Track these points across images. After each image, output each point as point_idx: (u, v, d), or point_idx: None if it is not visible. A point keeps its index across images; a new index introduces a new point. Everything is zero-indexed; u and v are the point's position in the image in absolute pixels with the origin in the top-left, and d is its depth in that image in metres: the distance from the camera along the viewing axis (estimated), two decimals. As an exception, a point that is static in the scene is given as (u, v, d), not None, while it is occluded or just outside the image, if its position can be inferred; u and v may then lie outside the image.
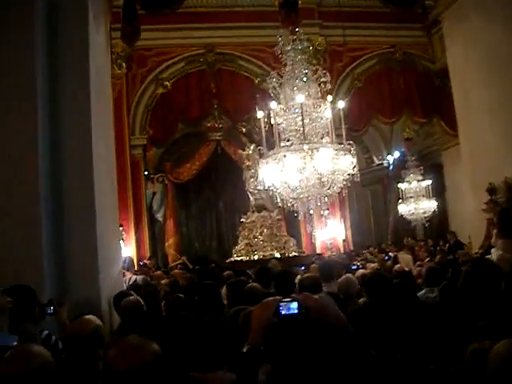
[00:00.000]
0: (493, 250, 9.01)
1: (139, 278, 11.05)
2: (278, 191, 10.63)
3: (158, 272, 13.44)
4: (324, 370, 2.75)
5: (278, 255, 15.74)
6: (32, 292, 5.43)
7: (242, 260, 16.07)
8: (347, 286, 6.64)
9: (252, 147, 16.34)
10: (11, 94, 6.54)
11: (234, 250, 17.42)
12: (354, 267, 10.33)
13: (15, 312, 5.01)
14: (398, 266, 10.40)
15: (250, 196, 17.55)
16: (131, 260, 12.23)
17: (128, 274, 11.11)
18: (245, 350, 2.89)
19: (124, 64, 17.12)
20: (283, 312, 2.80)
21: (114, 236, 8.53)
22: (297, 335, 2.70)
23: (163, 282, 11.25)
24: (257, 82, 17.91)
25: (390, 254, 14.68)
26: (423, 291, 7.32)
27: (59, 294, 6.43)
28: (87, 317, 4.81)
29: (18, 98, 6.55)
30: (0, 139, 6.42)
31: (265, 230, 16.86)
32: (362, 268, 10.51)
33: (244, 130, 18.91)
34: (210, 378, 3.41)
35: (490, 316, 4.42)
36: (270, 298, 2.98)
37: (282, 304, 2.81)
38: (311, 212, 11.40)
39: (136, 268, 13.69)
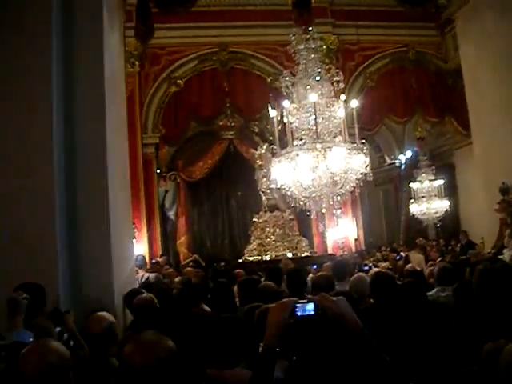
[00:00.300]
0: (505, 251, 9.05)
1: (151, 275, 11.10)
2: (291, 190, 10.63)
3: (171, 270, 13.48)
4: (338, 372, 2.76)
5: (290, 255, 15.75)
6: (41, 289, 5.49)
7: (253, 260, 16.08)
8: (359, 285, 6.63)
9: (265, 146, 16.33)
10: (27, 94, 6.59)
11: (246, 250, 17.44)
12: (366, 268, 10.34)
13: (28, 309, 5.07)
14: (410, 265, 10.38)
15: (262, 196, 17.57)
16: (143, 258, 12.28)
17: (140, 272, 11.16)
18: (260, 349, 2.91)
19: (137, 62, 17.15)
20: (299, 313, 2.80)
21: (127, 234, 8.57)
22: (313, 336, 2.68)
23: (176, 279, 11.33)
24: (269, 80, 17.91)
25: (402, 253, 14.67)
26: (434, 290, 7.32)
27: (73, 292, 6.48)
28: (100, 313, 4.86)
29: (34, 98, 6.60)
30: (16, 139, 6.47)
31: (277, 230, 16.87)
32: (375, 268, 10.51)
33: (257, 129, 18.90)
34: (226, 375, 3.41)
35: (502, 314, 4.43)
36: (286, 299, 2.98)
37: (298, 305, 2.80)
38: (323, 211, 11.41)
39: (148, 266, 13.73)
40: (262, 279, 8.08)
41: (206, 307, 6.36)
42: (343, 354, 2.70)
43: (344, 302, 2.86)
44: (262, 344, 2.92)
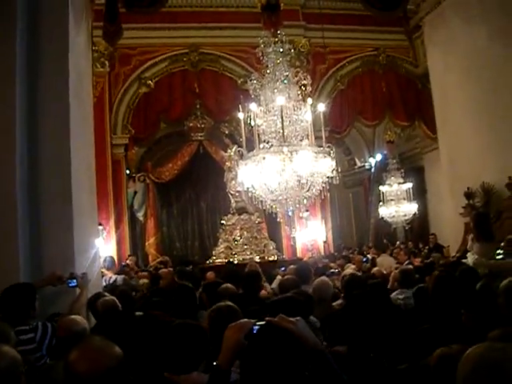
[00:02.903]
0: (468, 254, 9.13)
1: (119, 277, 11.04)
2: (257, 193, 10.64)
3: (144, 273, 13.37)
4: None
5: (257, 259, 15.75)
6: (32, 290, 5.46)
7: (220, 263, 16.05)
8: (321, 289, 6.67)
9: (234, 148, 16.35)
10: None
11: (214, 252, 17.44)
12: (329, 272, 10.42)
13: (12, 311, 5.07)
14: (376, 268, 10.45)
15: (231, 198, 17.57)
16: (112, 259, 12.22)
17: (108, 274, 11.10)
18: (215, 364, 2.91)
19: (107, 62, 17.10)
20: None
21: (93, 235, 8.50)
22: (270, 359, 2.66)
23: (141, 282, 11.29)
24: (240, 82, 17.93)
25: (369, 256, 14.76)
26: (394, 293, 7.44)
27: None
28: (74, 317, 4.85)
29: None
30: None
31: (245, 233, 16.89)
32: (338, 273, 10.57)
33: (227, 130, 18.89)
34: (183, 379, 3.41)
35: (458, 319, 4.49)
36: (245, 320, 2.98)
37: (255, 327, 2.79)
38: (290, 214, 11.44)
39: (117, 267, 13.65)
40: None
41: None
42: (302, 375, 2.67)
43: (303, 323, 2.85)
44: (215, 363, 2.92)
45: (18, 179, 6.48)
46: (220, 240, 17.49)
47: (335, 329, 4.62)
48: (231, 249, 16.74)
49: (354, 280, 6.88)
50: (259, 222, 17.28)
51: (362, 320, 4.65)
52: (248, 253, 16.48)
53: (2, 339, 3.84)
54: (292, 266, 10.49)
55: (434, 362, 3.34)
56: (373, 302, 5.53)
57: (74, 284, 6.40)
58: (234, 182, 16.00)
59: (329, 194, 11.42)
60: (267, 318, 2.87)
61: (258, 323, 2.81)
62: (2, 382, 2.90)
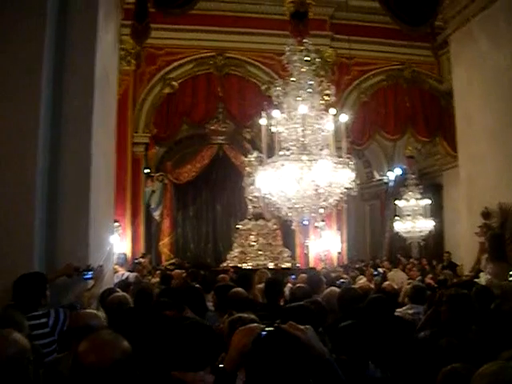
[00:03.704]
0: (481, 274, 9.11)
1: (131, 275, 11.10)
2: (274, 199, 10.65)
3: (157, 272, 13.48)
4: None
5: (271, 265, 15.77)
6: (43, 279, 5.54)
7: (232, 268, 16.08)
8: (331, 299, 6.66)
9: (254, 154, 16.39)
10: (16, 88, 6.59)
11: (228, 256, 17.47)
12: (339, 282, 10.39)
13: (23, 299, 5.15)
14: (387, 283, 10.42)
15: (248, 203, 17.60)
16: (125, 256, 12.29)
17: (121, 270, 11.15)
18: (221, 366, 2.93)
19: (133, 61, 17.18)
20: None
21: (108, 231, 8.56)
22: (275, 364, 2.68)
23: (153, 281, 11.35)
24: (263, 88, 17.96)
25: (380, 269, 14.72)
26: (404, 308, 7.43)
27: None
28: (92, 311, 4.90)
29: (22, 93, 6.60)
30: (2, 134, 6.46)
31: (260, 239, 16.93)
32: (349, 284, 10.56)
33: (248, 135, 18.94)
34: (189, 377, 3.42)
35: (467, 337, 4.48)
36: (254, 325, 2.99)
37: (263, 333, 2.79)
38: (305, 222, 11.43)
39: (129, 264, 13.72)
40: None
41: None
42: (299, 380, 2.68)
43: (311, 331, 2.86)
44: (221, 365, 2.94)
45: (38, 172, 6.54)
46: (235, 244, 17.56)
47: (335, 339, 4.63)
48: (245, 254, 16.79)
49: (349, 293, 6.86)
50: (275, 229, 17.30)
51: (358, 332, 4.63)
52: (262, 259, 16.52)
53: (15, 327, 3.88)
54: (303, 275, 10.50)
55: (440, 378, 3.33)
56: (370, 316, 5.54)
57: (89, 276, 6.47)
58: (252, 187, 16.03)
59: (345, 206, 11.36)
60: (276, 324, 2.89)
61: (266, 329, 2.82)
62: (9, 369, 2.92)
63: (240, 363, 2.85)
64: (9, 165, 6.45)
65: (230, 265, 16.47)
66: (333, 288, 7.47)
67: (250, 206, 17.62)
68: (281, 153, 10.43)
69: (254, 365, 2.69)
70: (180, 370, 3.49)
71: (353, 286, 8.96)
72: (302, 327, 2.83)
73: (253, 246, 16.89)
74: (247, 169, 17.24)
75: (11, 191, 6.39)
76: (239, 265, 16.15)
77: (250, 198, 17.25)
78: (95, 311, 4.95)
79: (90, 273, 6.47)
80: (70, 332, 4.65)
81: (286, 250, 17.38)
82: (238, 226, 17.94)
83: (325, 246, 18.04)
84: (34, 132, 6.57)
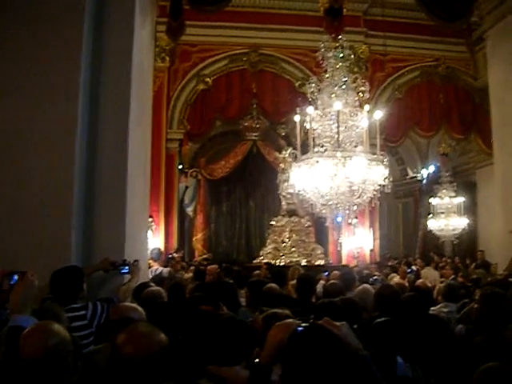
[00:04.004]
0: (516, 273, 9.02)
1: (165, 270, 11.19)
2: (308, 196, 10.66)
3: (191, 267, 13.60)
4: None
5: (304, 262, 15.77)
6: (80, 273, 5.63)
7: (266, 264, 16.11)
8: (363, 297, 6.64)
9: (288, 150, 16.41)
10: (54, 84, 6.68)
11: (261, 252, 17.51)
12: (372, 279, 10.35)
13: (61, 292, 5.25)
14: (421, 281, 10.36)
15: (281, 200, 17.62)
16: (159, 251, 12.35)
17: (155, 265, 11.24)
18: (256, 361, 2.96)
19: (167, 58, 17.28)
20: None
21: (143, 227, 8.64)
22: (311, 359, 2.69)
23: (186, 276, 11.43)
24: (297, 85, 17.98)
25: (413, 267, 14.63)
26: (438, 306, 7.39)
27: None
28: (132, 305, 4.96)
29: (60, 89, 6.69)
30: (40, 127, 6.55)
31: (293, 236, 16.94)
32: (382, 281, 10.52)
33: (283, 132, 18.94)
34: (225, 372, 3.45)
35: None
36: (290, 320, 3.01)
37: (299, 328, 2.79)
38: (339, 219, 11.42)
39: (163, 259, 13.81)
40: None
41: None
42: (336, 375, 2.69)
43: (347, 327, 2.88)
44: (257, 360, 2.97)
45: (76, 169, 6.62)
46: (268, 241, 17.60)
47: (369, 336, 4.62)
48: (279, 250, 16.82)
49: (386, 289, 6.82)
50: (308, 226, 17.31)
51: (392, 329, 4.62)
52: (295, 255, 16.54)
53: (54, 319, 3.94)
54: (335, 272, 10.50)
55: (476, 377, 3.32)
56: (407, 314, 5.50)
57: (125, 271, 6.55)
58: (286, 183, 16.04)
59: (378, 203, 11.31)
60: (311, 320, 2.91)
61: (302, 324, 2.84)
62: (50, 359, 2.98)
63: (276, 358, 2.88)
64: (47, 161, 6.54)
65: (264, 261, 16.51)
66: (366, 285, 7.46)
67: (283, 203, 17.64)
68: (315, 149, 10.43)
69: (290, 360, 2.71)
70: (215, 365, 3.52)
71: (390, 283, 8.94)
72: (337, 323, 2.85)
73: (286, 242, 16.90)
74: (281, 165, 17.25)
75: (49, 188, 6.48)
76: (272, 261, 16.19)
77: (284, 194, 17.27)
78: (135, 304, 5.01)
79: (127, 267, 6.55)
80: (109, 324, 4.72)
81: (319, 246, 17.36)
82: (271, 223, 17.97)
83: (357, 243, 18.00)
84: (73, 130, 6.65)
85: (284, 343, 2.79)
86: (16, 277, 4.10)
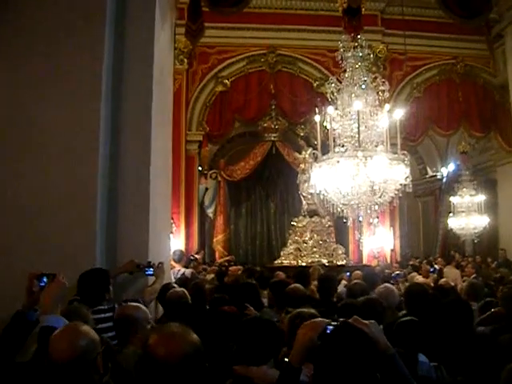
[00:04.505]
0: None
1: (187, 271, 11.23)
2: (329, 196, 10.65)
3: (214, 268, 13.66)
4: None
5: (325, 262, 15.78)
6: (106, 275, 5.69)
7: (289, 264, 16.15)
8: (386, 296, 6.63)
9: (309, 151, 16.41)
10: (77, 87, 6.73)
11: (282, 253, 17.53)
12: (395, 275, 10.33)
13: (88, 294, 5.30)
14: (444, 280, 10.34)
15: (302, 200, 17.64)
16: (181, 252, 12.38)
17: (177, 266, 11.28)
18: (286, 360, 2.97)
19: (186, 60, 17.32)
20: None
21: (165, 229, 8.68)
22: (344, 358, 2.70)
23: (208, 277, 11.47)
24: (315, 85, 18.00)
25: (436, 266, 14.59)
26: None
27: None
28: (136, 304, 5.00)
29: (83, 93, 6.74)
30: (63, 134, 6.60)
31: (315, 236, 16.96)
32: (404, 276, 10.50)
33: (302, 132, 18.94)
34: (253, 372, 3.47)
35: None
36: (319, 319, 3.02)
37: (329, 327, 2.82)
38: (360, 219, 11.39)
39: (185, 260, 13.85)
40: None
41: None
42: (367, 374, 2.69)
43: (376, 326, 2.89)
44: (286, 359, 2.98)
45: (99, 173, 6.67)
46: (289, 241, 17.61)
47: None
48: (300, 250, 16.82)
49: (416, 287, 6.79)
50: (329, 226, 17.31)
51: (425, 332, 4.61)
52: (317, 256, 16.54)
53: (81, 320, 3.98)
54: (357, 272, 10.49)
55: (506, 375, 3.31)
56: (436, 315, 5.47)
57: (150, 272, 6.60)
58: (306, 184, 16.02)
59: (398, 202, 11.27)
60: (341, 319, 2.92)
61: (332, 323, 2.84)
62: (79, 360, 3.01)
63: (305, 357, 2.89)
64: (71, 165, 6.59)
65: (285, 262, 16.55)
66: (388, 285, 7.46)
67: (304, 203, 17.64)
68: (336, 149, 10.42)
69: (321, 359, 2.72)
70: (243, 364, 3.54)
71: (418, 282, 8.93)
72: (366, 322, 2.86)
73: (307, 242, 16.91)
74: (301, 166, 17.26)
75: (73, 192, 6.53)
76: (294, 262, 16.23)
77: (305, 194, 17.27)
78: (138, 304, 5.03)
79: (151, 269, 6.59)
80: (114, 323, 4.79)
81: (341, 246, 17.35)
82: (292, 223, 17.97)
83: (378, 242, 17.95)
84: (96, 134, 6.70)
85: (313, 342, 2.81)
86: (45, 279, 4.13)
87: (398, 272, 10.99)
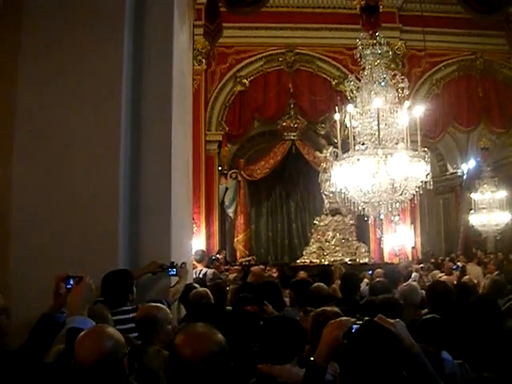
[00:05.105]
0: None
1: (209, 271, 11.26)
2: (350, 194, 10.65)
3: (236, 267, 13.71)
4: None
5: (348, 261, 15.78)
6: (128, 276, 5.72)
7: (311, 263, 16.16)
8: (408, 294, 6.61)
9: (330, 149, 16.41)
10: (97, 88, 6.75)
11: (304, 252, 17.54)
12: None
13: (112, 295, 5.34)
14: (467, 277, 10.28)
15: (324, 199, 17.64)
16: (203, 252, 12.41)
17: (199, 266, 11.32)
18: (311, 359, 2.97)
19: (204, 60, 17.42)
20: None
21: (187, 229, 8.70)
22: (371, 356, 2.67)
23: (230, 276, 11.50)
24: (334, 83, 18.02)
25: (459, 264, 14.51)
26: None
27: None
28: (156, 304, 5.02)
29: (103, 94, 6.75)
30: (83, 136, 6.61)
31: (337, 235, 16.99)
32: (428, 269, 10.48)
33: (322, 131, 18.95)
34: (277, 370, 3.47)
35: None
36: (344, 318, 3.02)
37: (354, 326, 2.82)
38: (381, 217, 11.38)
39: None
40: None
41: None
42: (394, 372, 2.69)
43: (401, 325, 2.89)
44: (312, 358, 2.98)
45: (120, 174, 6.68)
46: (312, 240, 17.63)
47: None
48: (323, 249, 16.84)
49: (440, 285, 6.76)
50: (352, 224, 17.31)
51: (449, 329, 4.58)
52: (340, 254, 16.58)
53: (101, 321, 4.02)
54: (379, 270, 10.47)
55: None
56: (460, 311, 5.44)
57: (173, 273, 6.60)
58: (328, 182, 16.02)
59: (419, 199, 11.24)
60: (366, 318, 2.92)
61: (357, 322, 2.85)
62: (105, 362, 3.02)
63: (331, 355, 2.89)
64: (92, 166, 6.61)
65: (307, 260, 16.58)
66: (410, 282, 7.45)
67: (326, 202, 17.65)
68: (356, 147, 10.41)
69: (347, 358, 2.72)
70: (268, 363, 3.55)
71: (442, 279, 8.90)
72: (392, 321, 2.86)
73: (330, 241, 16.93)
74: (323, 164, 17.25)
75: (94, 193, 6.55)
76: (317, 260, 16.26)
77: (326, 193, 17.26)
78: (159, 304, 5.06)
79: (174, 269, 6.61)
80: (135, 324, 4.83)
81: (363, 245, 17.34)
82: (315, 222, 17.98)
83: (399, 240, 17.91)
84: (116, 134, 6.71)
85: (339, 341, 2.81)
86: (72, 281, 4.15)
87: (422, 265, 10.97)
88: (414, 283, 7.56)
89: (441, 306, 5.69)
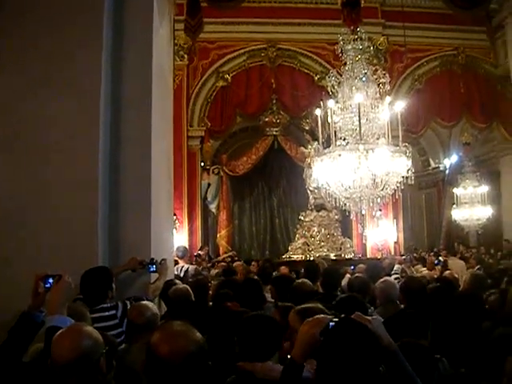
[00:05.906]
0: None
1: (191, 267, 11.23)
2: (331, 190, 10.65)
3: (222, 264, 13.68)
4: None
5: (333, 256, 15.80)
6: (108, 273, 5.67)
7: (297, 259, 16.17)
8: (386, 290, 6.60)
9: (314, 145, 16.40)
10: (75, 85, 6.71)
11: (290, 247, 17.55)
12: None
13: (91, 292, 5.30)
14: (449, 272, 10.31)
15: (309, 194, 17.64)
16: (185, 249, 12.37)
17: (181, 262, 11.28)
18: (289, 357, 2.95)
19: (186, 55, 17.36)
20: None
21: (168, 225, 8.66)
22: (347, 353, 2.66)
23: (212, 272, 11.48)
24: (316, 79, 18.00)
25: (441, 258, 14.56)
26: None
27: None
28: (145, 303, 5.00)
29: (82, 89, 6.71)
30: (63, 127, 6.58)
31: (322, 230, 17.00)
32: (410, 260, 10.54)
33: (307, 126, 18.94)
34: (258, 367, 3.46)
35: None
36: (322, 316, 3.00)
37: (331, 324, 2.79)
38: (363, 212, 11.40)
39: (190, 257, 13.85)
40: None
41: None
42: (371, 368, 2.68)
43: (378, 322, 2.88)
44: (289, 356, 2.96)
45: (100, 170, 6.64)
46: (297, 236, 17.63)
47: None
48: (308, 245, 16.86)
49: (413, 282, 6.76)
50: (337, 220, 17.33)
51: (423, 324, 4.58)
52: (325, 250, 16.60)
53: (78, 319, 3.98)
54: (361, 265, 10.48)
55: (508, 366, 3.30)
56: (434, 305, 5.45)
57: (153, 269, 6.59)
58: (312, 178, 16.03)
59: (401, 194, 11.26)
60: (343, 315, 2.90)
61: (333, 319, 2.83)
62: (82, 361, 2.98)
63: (308, 353, 2.87)
64: (71, 162, 6.56)
65: (293, 256, 16.59)
66: (388, 278, 7.45)
67: (311, 197, 17.64)
68: (337, 143, 10.41)
69: (324, 355, 2.71)
70: (246, 361, 3.53)
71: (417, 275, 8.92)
72: (369, 318, 2.85)
73: (315, 237, 16.95)
74: (307, 160, 17.23)
75: (74, 189, 6.50)
76: (302, 256, 16.28)
77: (311, 189, 17.25)
78: (149, 303, 5.04)
79: (154, 266, 6.59)
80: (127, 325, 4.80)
81: (348, 240, 17.38)
82: (300, 217, 17.97)
83: (382, 235, 17.96)
84: (95, 131, 6.66)
85: (316, 339, 2.79)
86: (51, 280, 4.11)
87: (404, 257, 11.01)
88: (391, 278, 7.56)
89: (415, 303, 5.69)
